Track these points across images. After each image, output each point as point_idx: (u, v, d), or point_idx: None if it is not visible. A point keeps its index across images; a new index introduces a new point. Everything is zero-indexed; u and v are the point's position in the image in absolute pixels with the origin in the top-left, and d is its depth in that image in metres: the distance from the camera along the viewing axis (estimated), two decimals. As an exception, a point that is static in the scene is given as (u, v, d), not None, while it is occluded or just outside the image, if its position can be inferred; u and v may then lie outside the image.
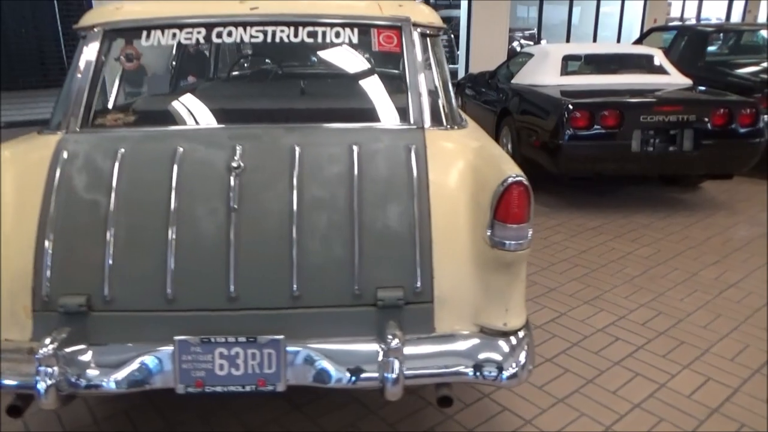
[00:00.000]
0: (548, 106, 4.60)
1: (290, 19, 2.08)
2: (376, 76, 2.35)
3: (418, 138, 1.91)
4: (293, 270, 1.73)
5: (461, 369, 1.70)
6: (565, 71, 5.22)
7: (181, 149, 1.83)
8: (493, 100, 5.80)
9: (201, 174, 1.80)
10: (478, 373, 1.70)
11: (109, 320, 1.73)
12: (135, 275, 1.73)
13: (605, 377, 2.43)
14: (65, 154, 1.84)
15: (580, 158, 4.41)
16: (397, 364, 1.62)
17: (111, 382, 1.66)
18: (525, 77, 5.37)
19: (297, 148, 1.85)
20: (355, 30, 2.10)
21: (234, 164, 1.79)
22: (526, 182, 1.67)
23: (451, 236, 1.78)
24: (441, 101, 2.09)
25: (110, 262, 1.73)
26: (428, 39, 2.16)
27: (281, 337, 1.68)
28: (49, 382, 1.58)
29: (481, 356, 1.71)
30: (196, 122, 2.12)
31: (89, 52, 2.05)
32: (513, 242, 1.67)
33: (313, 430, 2.13)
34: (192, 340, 1.67)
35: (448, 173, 1.84)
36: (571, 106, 4.29)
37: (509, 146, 5.23)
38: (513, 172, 1.69)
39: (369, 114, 2.13)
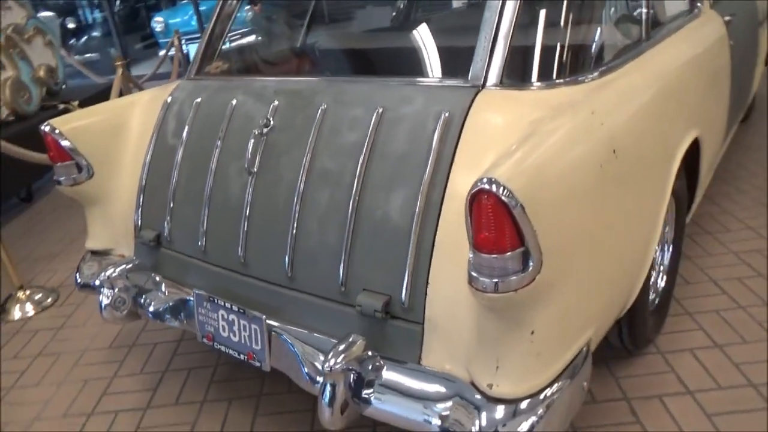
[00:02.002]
0: None
1: None
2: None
3: (460, 102, 1.39)
4: (287, 249, 1.56)
5: (426, 422, 1.29)
6: None
7: (234, 102, 1.78)
8: None
9: (240, 130, 1.73)
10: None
11: (169, 258, 1.90)
12: (184, 222, 1.83)
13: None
14: (169, 100, 2.01)
15: None
16: (330, 387, 1.33)
17: (151, 311, 1.85)
18: None
19: (323, 106, 1.58)
20: None
21: (262, 122, 1.66)
22: (504, 191, 1.05)
23: (461, 245, 1.28)
24: (558, 46, 1.45)
25: (171, 206, 1.86)
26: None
27: (263, 316, 1.57)
28: (106, 302, 1.87)
29: (450, 417, 1.26)
30: (268, 74, 2.00)
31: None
32: (486, 279, 1.11)
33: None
34: (204, 296, 1.71)
35: (479, 159, 1.30)
36: None
37: None
38: (505, 175, 1.08)
39: (431, 65, 1.65)
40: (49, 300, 2.89)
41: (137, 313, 1.92)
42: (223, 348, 1.71)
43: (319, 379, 1.40)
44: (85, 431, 2.02)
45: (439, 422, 1.26)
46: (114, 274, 1.88)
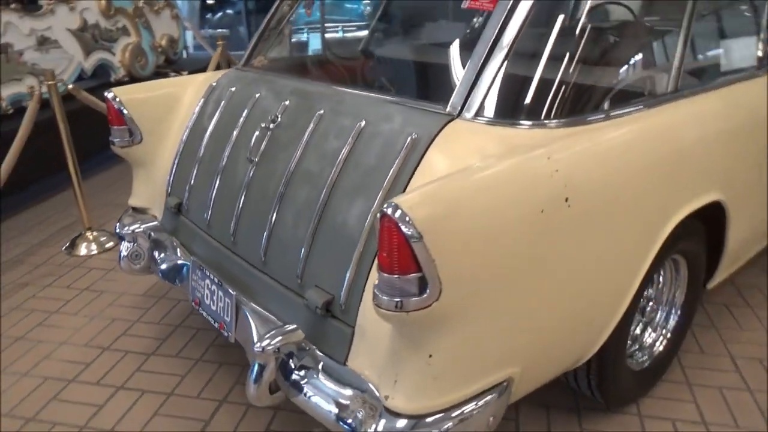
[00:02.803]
0: None
1: None
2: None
3: (430, 128, 1.45)
4: (264, 236, 1.70)
5: (336, 420, 1.38)
6: None
7: (258, 95, 1.95)
8: None
9: (255, 121, 1.89)
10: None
11: (184, 225, 2.11)
12: (199, 196, 2.03)
13: None
14: (214, 84, 2.22)
15: None
16: (258, 366, 1.45)
17: (161, 269, 2.07)
18: None
19: (321, 112, 1.70)
20: None
21: (271, 117, 1.81)
22: (404, 218, 1.10)
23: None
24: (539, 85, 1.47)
25: (192, 179, 2.07)
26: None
27: (234, 292, 1.72)
28: (124, 253, 2.11)
29: (355, 419, 1.33)
30: (295, 74, 2.12)
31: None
32: (384, 297, 1.17)
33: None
34: (197, 264, 1.90)
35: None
36: None
37: None
38: (408, 204, 1.12)
39: (426, 89, 1.70)
40: (111, 243, 3.25)
41: (150, 269, 2.15)
42: (204, 314, 1.88)
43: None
44: (96, 362, 2.29)
45: (347, 422, 1.34)
46: (138, 230, 2.13)
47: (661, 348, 2.05)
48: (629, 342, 2.02)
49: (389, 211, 1.11)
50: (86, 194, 3.28)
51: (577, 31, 1.54)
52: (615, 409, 1.98)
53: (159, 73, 5.28)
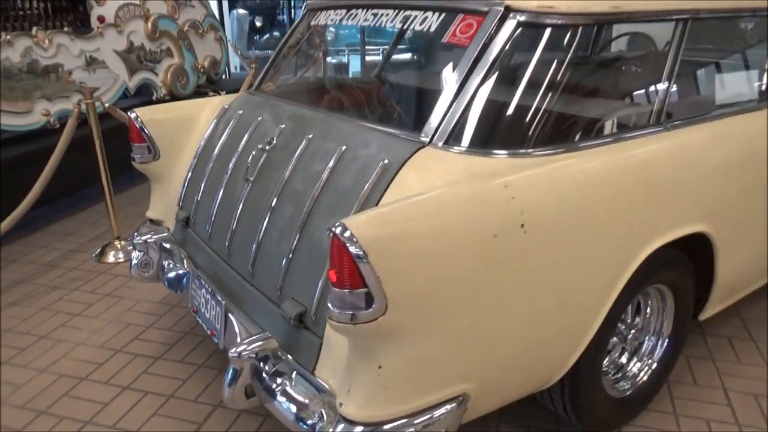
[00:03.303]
0: None
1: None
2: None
3: (401, 155, 1.54)
4: (252, 249, 1.82)
5: (292, 421, 1.47)
6: None
7: (260, 118, 2.09)
8: None
9: (254, 142, 2.02)
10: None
11: (191, 237, 2.25)
12: (204, 210, 2.18)
13: None
14: (226, 107, 2.37)
15: None
16: (233, 371, 1.56)
17: (167, 278, 2.21)
18: None
19: (310, 136, 1.82)
20: (440, 15, 1.74)
21: (268, 139, 1.94)
22: (350, 237, 1.18)
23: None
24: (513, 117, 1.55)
25: (199, 197, 2.22)
26: (541, 32, 1.59)
27: (223, 301, 1.84)
28: (135, 261, 2.27)
29: (315, 425, 1.42)
30: (294, 99, 2.24)
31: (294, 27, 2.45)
32: (335, 309, 1.26)
33: None
34: (196, 275, 2.03)
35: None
36: None
37: None
38: (355, 224, 1.21)
39: (405, 117, 1.79)
40: (137, 253, 3.44)
41: (158, 277, 2.30)
42: (199, 321, 2.01)
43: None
44: (108, 363, 2.45)
45: (308, 422, 1.43)
46: (149, 240, 2.29)
47: (645, 378, 2.05)
48: (614, 370, 2.05)
49: (338, 230, 1.21)
50: (118, 207, 3.50)
51: (549, 65, 1.61)
52: (594, 434, 1.99)
53: (199, 93, 5.56)
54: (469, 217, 1.33)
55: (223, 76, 6.44)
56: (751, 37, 2.46)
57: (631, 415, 2.05)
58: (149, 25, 4.98)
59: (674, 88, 1.87)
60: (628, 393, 2.00)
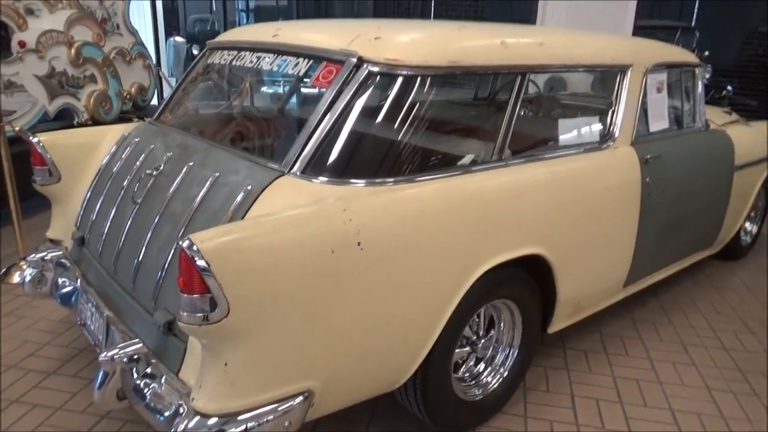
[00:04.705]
0: None
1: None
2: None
3: (262, 182, 1.77)
4: (134, 264, 1.98)
5: (156, 419, 1.64)
6: None
7: (152, 146, 2.27)
8: None
9: (145, 168, 2.20)
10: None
11: (86, 255, 2.39)
12: (96, 230, 2.32)
13: None
14: (125, 134, 2.54)
15: None
16: (103, 374, 1.71)
17: (58, 294, 2.34)
18: None
19: (191, 164, 2.02)
20: (309, 61, 2.00)
21: (155, 165, 2.13)
22: (194, 249, 1.40)
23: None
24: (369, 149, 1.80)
25: (93, 218, 2.37)
26: (389, 80, 1.86)
27: (105, 313, 1.99)
28: (28, 278, 2.38)
29: (167, 415, 1.60)
30: (183, 130, 2.44)
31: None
32: (185, 314, 1.46)
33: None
34: (83, 289, 2.17)
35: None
36: None
37: None
38: (200, 238, 1.42)
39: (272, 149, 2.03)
40: (43, 274, 3.50)
41: (52, 294, 2.42)
42: (86, 333, 2.15)
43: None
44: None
45: (164, 415, 1.61)
46: (44, 257, 2.41)
47: (496, 385, 2.31)
48: (470, 378, 2.30)
49: (185, 244, 1.41)
50: (29, 229, 3.56)
51: (400, 107, 1.88)
52: (447, 433, 2.22)
53: (123, 118, 5.64)
54: (307, 234, 1.56)
55: (153, 103, 6.54)
56: (595, 88, 2.85)
57: (483, 418, 2.30)
58: (73, 51, 5.07)
59: (515, 129, 2.18)
60: (478, 398, 2.25)
